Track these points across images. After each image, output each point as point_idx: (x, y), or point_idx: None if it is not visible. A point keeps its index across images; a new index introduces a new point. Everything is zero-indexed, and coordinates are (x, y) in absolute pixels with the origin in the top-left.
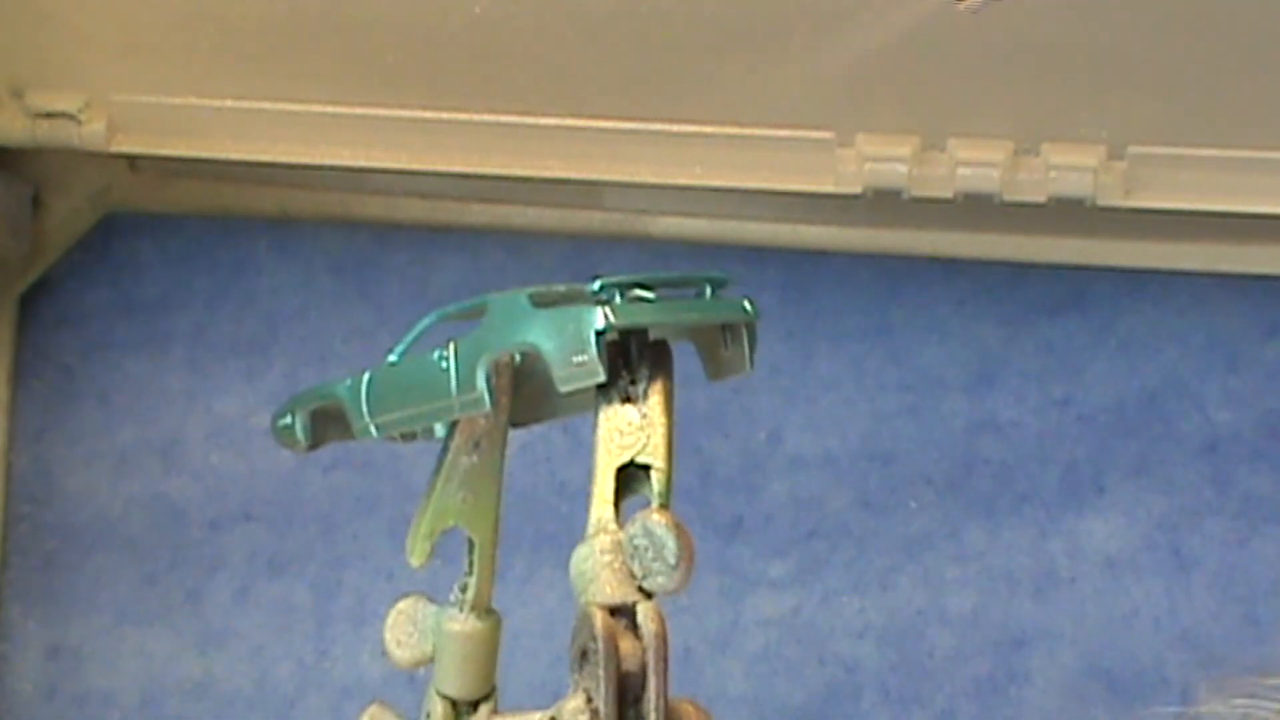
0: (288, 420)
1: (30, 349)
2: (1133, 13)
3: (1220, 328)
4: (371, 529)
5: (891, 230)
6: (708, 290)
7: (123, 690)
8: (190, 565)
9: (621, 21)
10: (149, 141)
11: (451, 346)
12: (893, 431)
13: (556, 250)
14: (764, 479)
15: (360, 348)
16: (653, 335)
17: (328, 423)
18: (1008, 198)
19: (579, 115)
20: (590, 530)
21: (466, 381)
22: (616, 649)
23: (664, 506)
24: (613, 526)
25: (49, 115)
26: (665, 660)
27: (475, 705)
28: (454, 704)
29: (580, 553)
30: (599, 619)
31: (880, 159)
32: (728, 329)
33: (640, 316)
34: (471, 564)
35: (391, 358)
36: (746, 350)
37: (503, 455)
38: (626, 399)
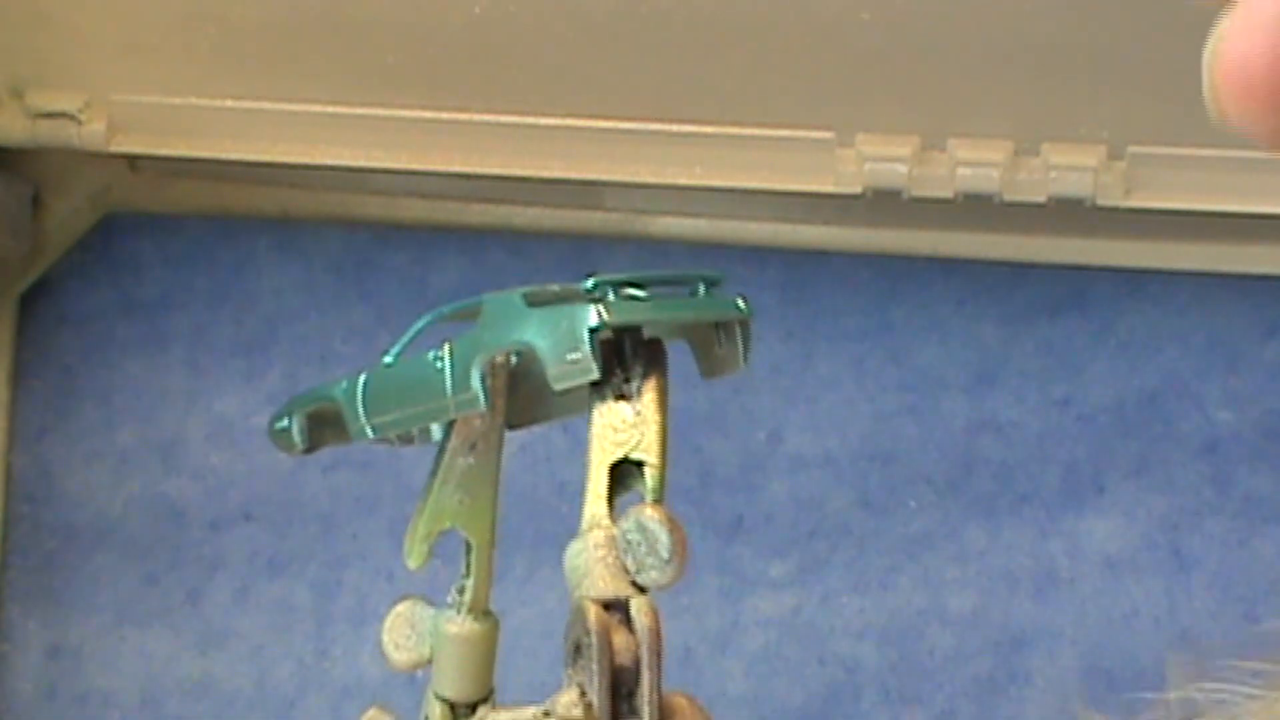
0: (284, 423)
1: (30, 349)
2: (1133, 13)
3: (1220, 328)
4: (371, 529)
5: (891, 230)
6: (701, 288)
7: (123, 690)
8: (190, 565)
9: (621, 21)
10: (149, 141)
11: (446, 347)
12: (893, 431)
13: (556, 250)
14: (764, 479)
15: (360, 348)
16: (647, 333)
17: (324, 426)
18: (1008, 198)
19: (579, 115)
20: (584, 526)
21: (461, 381)
22: (610, 643)
23: (657, 501)
24: (606, 522)
25: (49, 115)
26: (659, 654)
27: (473, 707)
28: (452, 706)
29: (574, 548)
30: (592, 613)
31: (880, 159)
32: (721, 327)
33: (634, 314)
34: (469, 566)
35: (387, 359)
36: (740, 348)
37: (499, 457)
38: (620, 396)
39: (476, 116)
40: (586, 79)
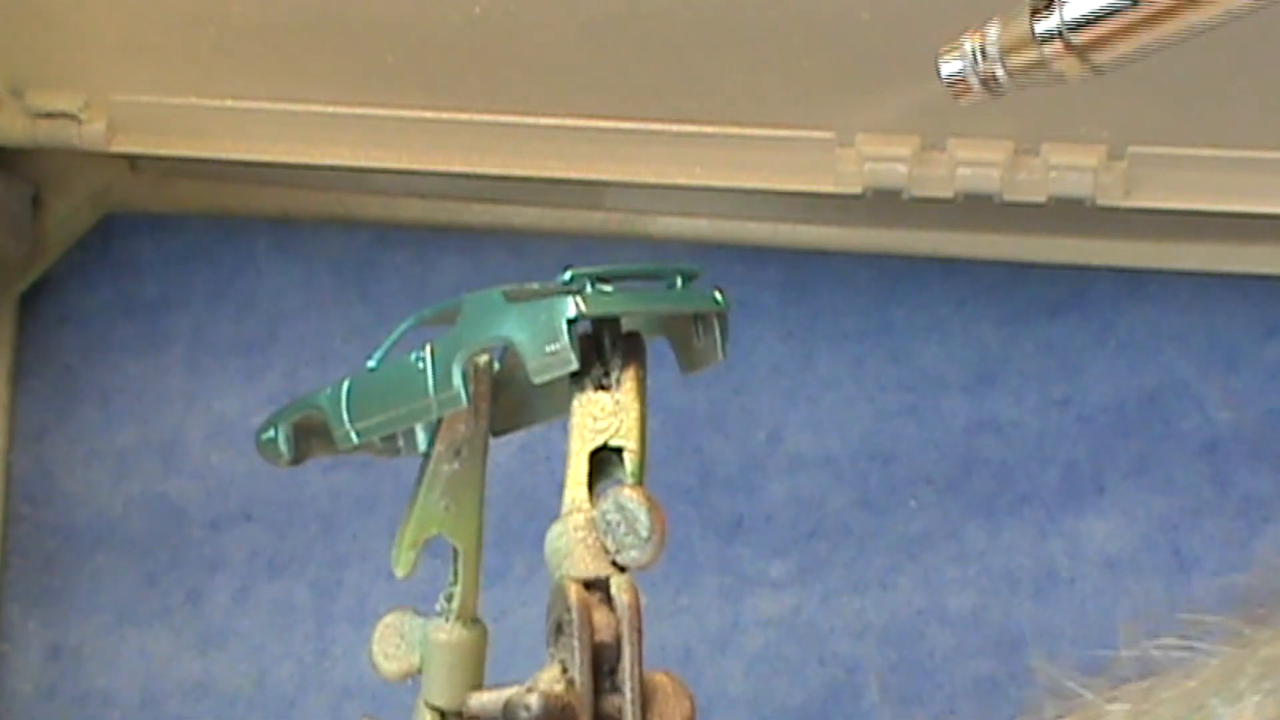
0: (270, 434)
1: (30, 349)
2: None
3: (1220, 328)
4: (371, 529)
5: (891, 230)
6: (679, 281)
7: (123, 690)
8: (190, 565)
9: (621, 21)
10: (149, 141)
11: (428, 347)
12: (893, 431)
13: (556, 250)
14: (764, 479)
15: (360, 348)
16: (625, 327)
17: (311, 435)
18: (1008, 198)
19: (579, 115)
20: (565, 509)
21: (443, 380)
22: (591, 620)
23: (636, 483)
24: (586, 506)
25: (49, 115)
26: (639, 631)
27: (463, 715)
28: (442, 714)
29: (554, 530)
30: (573, 591)
31: (880, 159)
32: (699, 319)
33: (611, 305)
34: (456, 573)
35: (370, 363)
36: (719, 340)
37: (484, 463)
38: (600, 387)
39: (476, 116)
40: (586, 79)
